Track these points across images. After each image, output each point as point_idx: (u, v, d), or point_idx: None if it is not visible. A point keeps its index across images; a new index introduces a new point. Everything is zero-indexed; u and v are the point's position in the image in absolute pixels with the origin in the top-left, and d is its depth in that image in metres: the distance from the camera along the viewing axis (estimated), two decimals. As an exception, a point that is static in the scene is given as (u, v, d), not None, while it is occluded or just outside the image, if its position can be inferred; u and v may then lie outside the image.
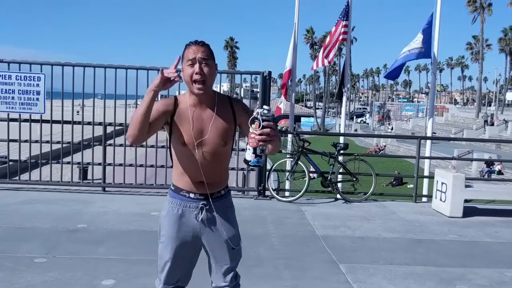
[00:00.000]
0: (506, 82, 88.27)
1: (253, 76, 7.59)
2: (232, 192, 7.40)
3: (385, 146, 40.42)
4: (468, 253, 5.25)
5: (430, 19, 10.83)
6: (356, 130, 62.97)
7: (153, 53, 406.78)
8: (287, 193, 7.84)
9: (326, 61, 12.10)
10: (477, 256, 5.15)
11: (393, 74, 11.30)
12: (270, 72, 7.33)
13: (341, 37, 11.70)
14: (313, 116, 73.41)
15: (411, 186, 14.44)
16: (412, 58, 10.79)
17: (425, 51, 10.65)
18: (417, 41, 10.68)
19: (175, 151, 2.46)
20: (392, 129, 62.51)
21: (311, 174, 7.66)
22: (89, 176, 9.98)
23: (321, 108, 78.57)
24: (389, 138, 30.15)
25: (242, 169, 7.72)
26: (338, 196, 7.71)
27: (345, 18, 11.94)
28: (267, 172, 7.45)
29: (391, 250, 5.19)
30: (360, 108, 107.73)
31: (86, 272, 4.13)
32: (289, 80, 12.59)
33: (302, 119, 70.25)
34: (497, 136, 46.30)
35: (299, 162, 7.53)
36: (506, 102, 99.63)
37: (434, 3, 10.77)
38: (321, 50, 12.18)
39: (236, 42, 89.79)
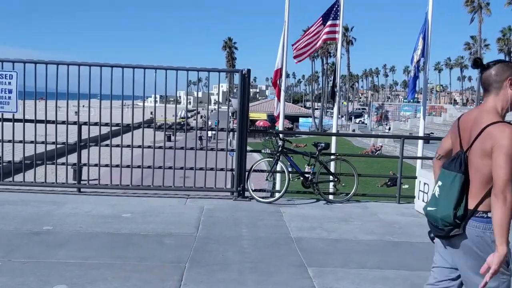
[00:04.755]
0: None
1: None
2: (211, 193, 7.25)
3: (381, 146, 40.26)
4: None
5: (424, 22, 10.69)
6: (354, 130, 62.89)
7: (140, 52, 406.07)
8: (266, 194, 7.66)
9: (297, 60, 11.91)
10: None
11: (413, 93, 11.37)
12: (249, 70, 7.14)
13: (324, 36, 11.52)
14: (311, 117, 73.26)
15: (406, 186, 14.29)
16: (417, 68, 10.73)
17: (421, 52, 10.53)
18: (419, 51, 10.55)
19: None
20: (389, 129, 62.35)
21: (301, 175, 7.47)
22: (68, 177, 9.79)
23: (319, 109, 78.47)
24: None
25: (231, 169, 7.54)
26: (320, 196, 7.53)
27: (333, 18, 11.78)
28: (247, 173, 7.27)
29: (365, 253, 5.00)
30: (359, 109, 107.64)
31: (39, 277, 3.94)
32: (279, 80, 12.46)
33: (300, 119, 70.07)
34: (495, 137, 46.06)
35: (279, 162, 7.35)
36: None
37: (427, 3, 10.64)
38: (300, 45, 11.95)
39: (234, 43, 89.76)
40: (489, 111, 2.42)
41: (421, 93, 13.54)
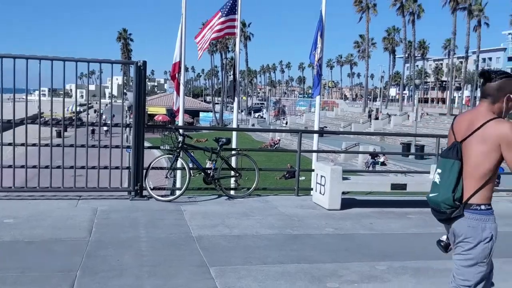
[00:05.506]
0: (390, 79, 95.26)
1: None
2: (105, 194, 6.79)
3: (279, 140, 41.40)
4: (343, 246, 5.22)
5: (319, 20, 11.00)
6: (253, 124, 63.96)
7: (34, 44, 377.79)
8: (166, 192, 7.39)
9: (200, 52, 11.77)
10: (351, 249, 5.13)
11: (317, 90, 11.50)
12: (145, 62, 6.80)
13: (224, 31, 11.44)
14: (211, 111, 73.22)
15: (303, 178, 14.75)
16: (319, 66, 10.95)
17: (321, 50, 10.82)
18: (319, 49, 10.80)
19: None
20: (286, 123, 64.41)
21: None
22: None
23: (220, 103, 78.71)
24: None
25: (128, 167, 7.13)
26: (222, 192, 7.43)
27: (232, 12, 11.72)
28: (144, 170, 6.93)
29: (267, 248, 4.99)
30: (258, 104, 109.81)
31: None
32: (178, 73, 12.15)
33: (201, 114, 69.77)
34: (381, 129, 49.67)
35: (179, 158, 7.12)
36: (390, 97, 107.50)
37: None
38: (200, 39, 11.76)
39: (130, 34, 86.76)
40: (484, 113, 2.66)
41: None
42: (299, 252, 4.91)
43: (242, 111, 73.57)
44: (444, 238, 2.99)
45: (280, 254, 4.80)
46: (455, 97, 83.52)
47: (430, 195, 2.77)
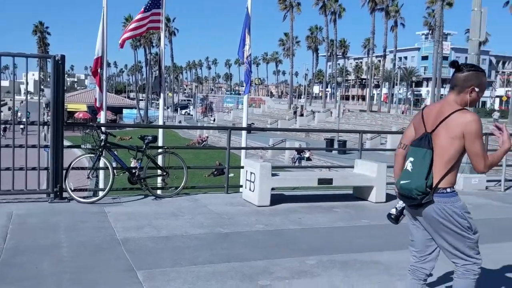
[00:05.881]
0: (313, 77, 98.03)
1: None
2: (21, 196, 6.32)
3: (207, 137, 41.15)
4: (273, 243, 5.23)
5: (246, 17, 10.96)
6: (180, 121, 63.10)
7: None
8: (89, 194, 7.02)
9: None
10: (281, 245, 5.15)
11: (248, 87, 11.33)
12: (63, 56, 6.41)
13: (148, 25, 11.11)
14: (136, 108, 71.27)
15: (232, 175, 14.70)
16: (249, 63, 10.84)
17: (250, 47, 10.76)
18: (247, 46, 10.72)
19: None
20: (214, 120, 64.21)
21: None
22: None
23: (144, 100, 76.77)
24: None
25: (46, 168, 6.66)
26: (148, 192, 7.19)
27: (155, 6, 11.40)
28: (64, 171, 6.54)
29: (197, 248, 4.87)
30: (184, 100, 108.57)
31: None
32: (100, 69, 11.64)
33: (124, 110, 67.69)
34: (306, 125, 50.98)
35: (101, 158, 6.78)
36: (314, 94, 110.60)
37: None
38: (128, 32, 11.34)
39: (47, 27, 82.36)
40: (451, 103, 2.86)
41: (243, 86, 14.04)
42: (229, 250, 4.85)
43: (168, 107, 72.33)
44: (393, 211, 3.15)
45: (211, 253, 4.71)
46: (374, 94, 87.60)
47: (402, 182, 2.91)
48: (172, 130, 46.57)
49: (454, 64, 2.91)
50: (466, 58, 10.44)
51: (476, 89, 2.86)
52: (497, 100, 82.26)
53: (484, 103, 79.46)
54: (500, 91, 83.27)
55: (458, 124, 2.76)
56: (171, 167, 7.43)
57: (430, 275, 3.16)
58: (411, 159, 2.87)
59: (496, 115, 43.28)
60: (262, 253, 4.81)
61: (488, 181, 9.47)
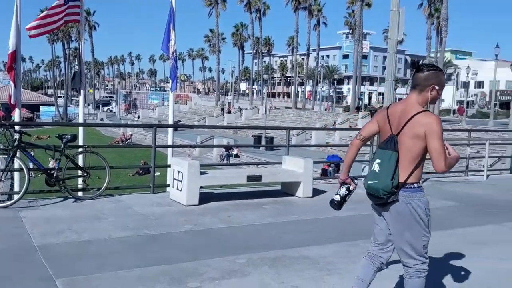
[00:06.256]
0: (240, 74, 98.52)
1: None
2: None
3: (131, 135, 39.99)
4: (203, 243, 5.11)
5: (170, 12, 10.67)
6: (102, 119, 60.79)
7: None
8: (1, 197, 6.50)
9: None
10: (211, 245, 5.05)
11: (175, 83, 10.91)
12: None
13: (65, 18, 10.50)
14: (54, 105, 67.70)
15: (158, 174, 14.32)
16: (175, 59, 10.50)
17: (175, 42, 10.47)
18: (172, 41, 10.39)
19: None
20: (138, 117, 62.54)
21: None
22: None
23: (63, 96, 73.10)
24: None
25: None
26: (68, 194, 6.78)
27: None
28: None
29: (122, 252, 4.65)
30: (106, 97, 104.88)
31: None
32: (15, 64, 10.84)
33: (42, 108, 64.09)
34: (233, 122, 51.12)
35: (15, 158, 6.30)
36: (241, 92, 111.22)
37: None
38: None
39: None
40: (413, 104, 3.00)
41: (168, 82, 13.70)
42: (157, 253, 4.67)
43: (89, 105, 69.41)
44: (336, 197, 3.29)
45: (137, 257, 4.51)
46: (299, 91, 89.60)
47: (369, 182, 3.06)
48: (94, 129, 44.72)
49: (415, 65, 3.05)
50: (384, 57, 10.88)
51: (437, 87, 3.00)
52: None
53: (400, 100, 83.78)
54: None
55: (421, 124, 2.90)
56: (92, 168, 7.06)
57: (385, 267, 3.32)
58: (378, 160, 3.02)
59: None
60: (191, 254, 4.68)
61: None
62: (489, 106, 49.43)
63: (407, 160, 2.96)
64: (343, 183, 3.31)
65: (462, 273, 4.40)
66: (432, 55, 64.55)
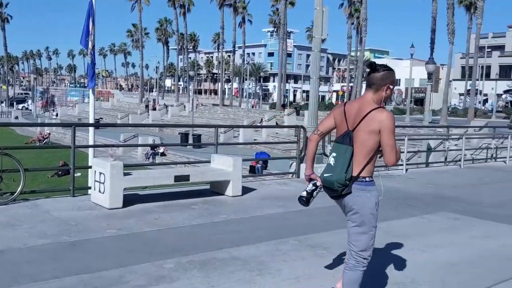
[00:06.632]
0: (165, 70, 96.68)
1: None
2: None
3: (49, 134, 37.89)
4: (128, 248, 4.86)
5: (89, 5, 10.12)
6: (17, 117, 57.03)
7: None
8: None
9: None
10: (137, 250, 4.81)
11: (93, 80, 10.21)
12: None
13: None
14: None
15: (78, 174, 13.61)
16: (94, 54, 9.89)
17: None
18: (92, 36, 9.80)
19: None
20: (57, 115, 59.38)
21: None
22: None
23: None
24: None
25: None
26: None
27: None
28: None
29: (39, 261, 4.30)
30: (21, 93, 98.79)
31: None
32: None
33: None
34: (159, 120, 50.09)
35: None
36: (166, 88, 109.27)
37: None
38: None
39: None
40: (369, 101, 3.17)
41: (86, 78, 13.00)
42: (78, 261, 4.36)
43: (2, 102, 64.83)
44: (304, 194, 3.34)
45: (56, 266, 4.18)
46: (225, 88, 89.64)
47: (325, 175, 3.20)
48: (8, 128, 41.84)
49: (371, 66, 3.21)
50: (308, 55, 11.05)
51: (391, 87, 3.19)
52: (334, 94, 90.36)
53: (323, 97, 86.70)
54: (337, 86, 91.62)
55: (376, 120, 3.07)
56: (4, 171, 6.51)
57: None
58: (334, 154, 3.18)
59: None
60: (116, 260, 4.42)
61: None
62: (405, 103, 52.32)
63: (361, 155, 3.12)
64: (310, 179, 3.37)
65: (388, 266, 4.53)
66: (353, 54, 67.21)
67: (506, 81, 70.84)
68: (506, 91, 71.41)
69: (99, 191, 6.47)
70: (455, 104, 68.52)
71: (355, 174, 3.12)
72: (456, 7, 48.99)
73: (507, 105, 67.68)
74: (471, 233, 6.00)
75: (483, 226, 6.41)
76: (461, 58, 69.73)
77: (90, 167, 7.10)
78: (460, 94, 69.69)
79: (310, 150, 3.44)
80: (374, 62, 3.24)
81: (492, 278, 4.39)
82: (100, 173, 6.44)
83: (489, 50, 67.85)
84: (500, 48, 73.47)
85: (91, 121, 11.07)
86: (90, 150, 9.74)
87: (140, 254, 4.67)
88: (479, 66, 58.99)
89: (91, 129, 10.62)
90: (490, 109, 59.75)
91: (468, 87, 59.23)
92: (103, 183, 6.37)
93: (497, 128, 19.13)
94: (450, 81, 55.84)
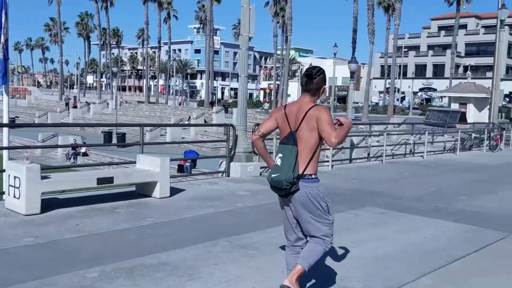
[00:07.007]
0: (86, 66, 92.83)
1: None
2: None
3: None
4: (47, 258, 4.52)
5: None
6: None
7: None
8: None
9: None
10: (57, 259, 4.48)
11: (4, 77, 9.31)
12: None
13: None
14: None
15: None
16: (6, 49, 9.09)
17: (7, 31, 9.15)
18: (4, 29, 9.03)
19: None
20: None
21: None
22: None
23: None
24: None
25: None
26: None
27: None
28: None
29: None
30: None
31: None
32: None
33: None
34: (80, 118, 48.00)
35: None
36: (88, 85, 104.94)
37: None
38: None
39: None
40: (307, 102, 3.41)
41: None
42: (-11, 275, 3.98)
43: None
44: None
45: (-38, 283, 3.79)
46: (151, 85, 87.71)
47: (273, 175, 3.35)
48: None
49: (310, 76, 3.41)
50: (235, 53, 11.00)
51: (325, 87, 3.49)
52: (262, 92, 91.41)
53: (251, 95, 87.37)
54: (264, 84, 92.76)
55: (313, 117, 3.30)
56: None
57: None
58: (280, 155, 3.35)
59: (266, 105, 47.81)
60: (33, 272, 4.09)
61: (261, 167, 10.16)
62: (329, 101, 54.00)
63: (305, 153, 3.33)
64: None
65: (318, 263, 4.55)
66: (279, 52, 68.28)
67: (421, 79, 75.53)
68: (421, 89, 76.15)
69: (14, 196, 5.99)
70: (376, 103, 71.78)
71: (300, 172, 3.31)
72: (376, 8, 51.34)
73: (422, 102, 72.11)
74: (395, 227, 6.22)
75: (405, 220, 6.67)
76: (380, 57, 73.25)
77: (4, 170, 6.55)
78: (380, 92, 73.17)
79: (260, 148, 3.63)
80: (312, 72, 3.45)
81: (416, 271, 4.55)
82: (15, 177, 5.96)
83: (406, 50, 71.89)
84: (416, 48, 78.16)
85: (5, 121, 10.30)
86: (5, 152, 9.06)
87: (60, 263, 4.35)
88: (397, 65, 62.29)
89: (5, 129, 9.89)
90: (407, 106, 63.33)
91: (387, 85, 62.40)
92: (18, 187, 5.91)
93: (415, 125, 20.22)
94: (371, 79, 58.41)
